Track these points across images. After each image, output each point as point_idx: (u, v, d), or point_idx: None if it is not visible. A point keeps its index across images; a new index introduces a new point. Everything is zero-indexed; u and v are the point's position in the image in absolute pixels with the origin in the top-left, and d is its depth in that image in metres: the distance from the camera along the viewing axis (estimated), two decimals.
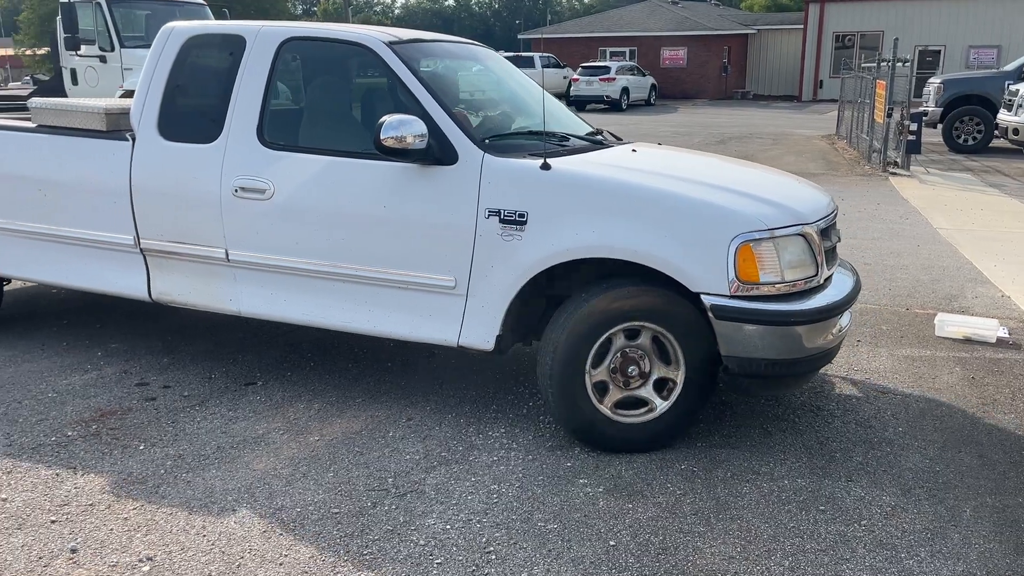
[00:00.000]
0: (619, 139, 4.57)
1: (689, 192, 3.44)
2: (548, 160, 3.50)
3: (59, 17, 12.06)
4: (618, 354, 3.43)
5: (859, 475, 3.34)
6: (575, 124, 4.54)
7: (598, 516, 3.01)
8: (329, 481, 3.24)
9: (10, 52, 56.61)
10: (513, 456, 3.47)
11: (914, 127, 12.60)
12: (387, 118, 3.47)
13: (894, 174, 12.42)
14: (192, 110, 4.14)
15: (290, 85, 4.22)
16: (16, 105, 5.59)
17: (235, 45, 4.05)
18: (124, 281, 4.29)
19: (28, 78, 37.70)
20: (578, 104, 29.11)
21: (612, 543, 2.85)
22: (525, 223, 3.45)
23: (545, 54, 32.43)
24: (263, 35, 4.02)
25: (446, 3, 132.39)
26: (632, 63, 32.61)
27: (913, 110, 12.95)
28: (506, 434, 3.68)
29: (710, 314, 3.27)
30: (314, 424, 3.75)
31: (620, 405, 3.49)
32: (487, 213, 3.50)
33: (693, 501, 3.13)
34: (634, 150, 4.16)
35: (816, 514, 3.05)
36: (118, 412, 3.85)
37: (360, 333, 3.86)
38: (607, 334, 3.39)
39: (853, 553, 2.81)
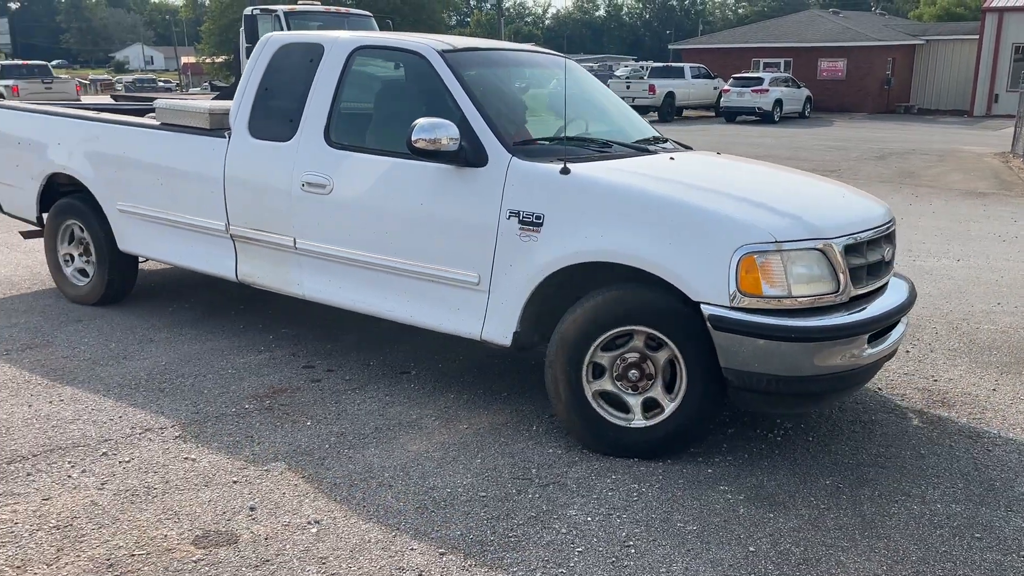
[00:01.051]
0: (686, 147, 4.62)
1: (699, 201, 3.42)
2: (568, 165, 3.57)
3: (242, 28, 13.08)
4: (619, 358, 3.48)
5: (1020, 505, 3.20)
6: (633, 130, 4.63)
7: (738, 522, 3.04)
8: (477, 467, 3.42)
9: (192, 60, 61.47)
10: (652, 466, 3.53)
11: None
12: (419, 121, 3.68)
13: None
14: (276, 111, 4.52)
15: (356, 89, 4.46)
16: (149, 107, 6.28)
17: (315, 53, 4.43)
18: (219, 263, 4.81)
19: (207, 84, 40.80)
20: (727, 115, 28.58)
21: (752, 549, 2.87)
22: (541, 225, 3.57)
23: (696, 64, 31.97)
24: (338, 43, 4.40)
25: (596, 14, 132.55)
26: (787, 74, 31.62)
27: None
28: None
29: (708, 324, 3.23)
30: (463, 413, 3.96)
31: (618, 406, 3.53)
32: (508, 214, 3.65)
33: (837, 516, 3.09)
34: (672, 158, 4.13)
35: (971, 541, 2.95)
36: (288, 390, 4.19)
37: (400, 322, 4.13)
38: (604, 336, 3.44)
39: None
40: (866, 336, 3.37)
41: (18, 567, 2.66)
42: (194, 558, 2.73)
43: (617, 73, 37.79)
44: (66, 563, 2.69)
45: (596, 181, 3.58)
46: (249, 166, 4.53)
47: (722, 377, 3.31)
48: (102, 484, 3.19)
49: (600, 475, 3.37)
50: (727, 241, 3.21)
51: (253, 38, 12.70)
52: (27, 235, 6.04)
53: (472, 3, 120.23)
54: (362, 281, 4.20)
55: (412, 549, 2.82)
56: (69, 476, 3.25)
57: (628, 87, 29.14)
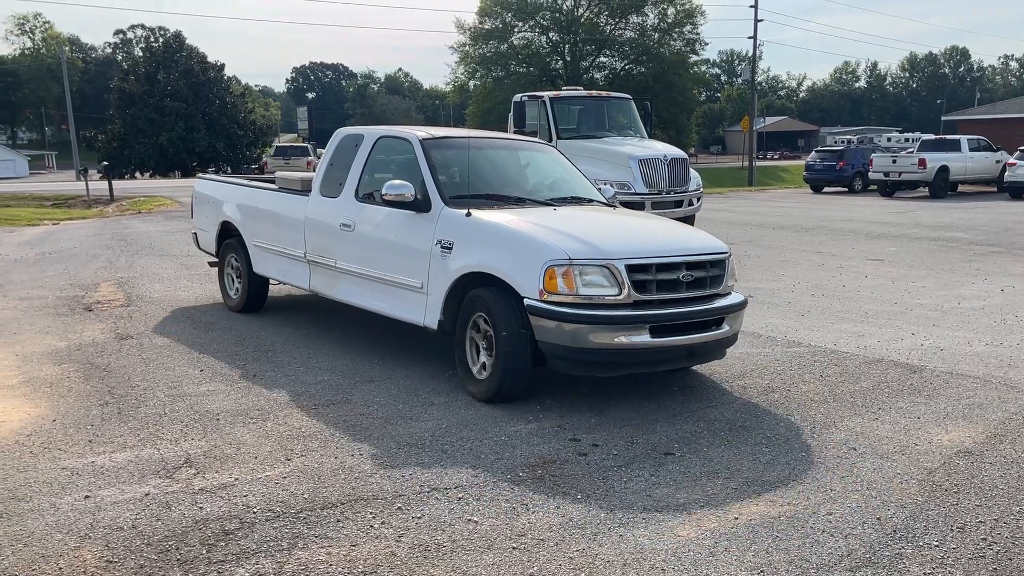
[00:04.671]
0: (612, 206, 6.53)
1: (534, 234, 5.19)
2: (471, 211, 5.52)
3: (511, 113, 14.04)
4: (475, 331, 5.39)
5: None
6: (566, 193, 6.50)
7: None
8: (750, 561, 3.34)
9: None
10: (948, 571, 3.25)
11: None
12: (390, 182, 5.80)
13: None
14: (334, 178, 6.82)
15: (375, 162, 6.61)
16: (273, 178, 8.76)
17: (360, 140, 6.80)
18: (301, 279, 7.13)
19: None
20: (1013, 191, 25.94)
21: None
22: (452, 248, 5.51)
23: (974, 136, 29.39)
24: (370, 133, 6.82)
25: (856, 85, 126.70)
26: None
27: None
28: (939, 547, 3.46)
29: (527, 311, 4.96)
30: (732, 502, 3.89)
31: (484, 366, 5.32)
32: (436, 242, 5.62)
33: None
34: (555, 209, 5.97)
35: None
36: (556, 462, 4.36)
37: (384, 315, 6.21)
38: (471, 318, 5.37)
39: None
40: (644, 327, 4.90)
41: None
42: None
43: (882, 146, 35.71)
44: None
45: (482, 221, 5.48)
46: (317, 214, 6.85)
47: (523, 352, 5.06)
48: (399, 537, 3.50)
49: None
50: (539, 258, 4.98)
51: (520, 121, 13.53)
52: (212, 264, 8.64)
53: (723, 79, 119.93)
54: (366, 287, 6.36)
55: None
56: (371, 526, 3.60)
57: (894, 161, 27.41)
